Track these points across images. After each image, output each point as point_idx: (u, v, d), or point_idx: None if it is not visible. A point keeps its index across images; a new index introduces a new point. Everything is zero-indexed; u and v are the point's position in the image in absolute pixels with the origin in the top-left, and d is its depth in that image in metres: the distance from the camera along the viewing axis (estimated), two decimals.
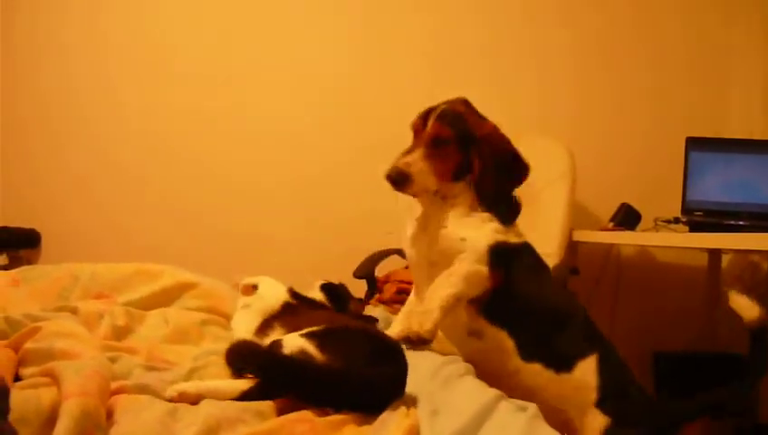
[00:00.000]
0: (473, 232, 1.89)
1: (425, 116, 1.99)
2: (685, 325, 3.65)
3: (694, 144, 3.41)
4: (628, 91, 3.91)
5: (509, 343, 1.83)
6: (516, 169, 1.99)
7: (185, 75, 3.90)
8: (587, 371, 1.83)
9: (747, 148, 3.40)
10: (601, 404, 1.81)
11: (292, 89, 3.91)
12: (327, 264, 3.60)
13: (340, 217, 3.87)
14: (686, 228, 3.19)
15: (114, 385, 1.28)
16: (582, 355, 1.85)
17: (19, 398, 1.13)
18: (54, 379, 1.20)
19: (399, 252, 3.51)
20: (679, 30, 3.92)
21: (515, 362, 1.82)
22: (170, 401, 1.30)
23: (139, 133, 3.89)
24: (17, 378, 1.31)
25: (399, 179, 1.89)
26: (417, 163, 1.89)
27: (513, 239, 1.94)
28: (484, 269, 1.82)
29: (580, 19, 3.93)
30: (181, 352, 1.63)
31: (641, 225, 3.44)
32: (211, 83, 3.90)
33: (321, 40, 3.94)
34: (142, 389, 1.31)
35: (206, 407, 1.24)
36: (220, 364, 1.52)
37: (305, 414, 1.26)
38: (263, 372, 1.39)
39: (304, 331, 1.51)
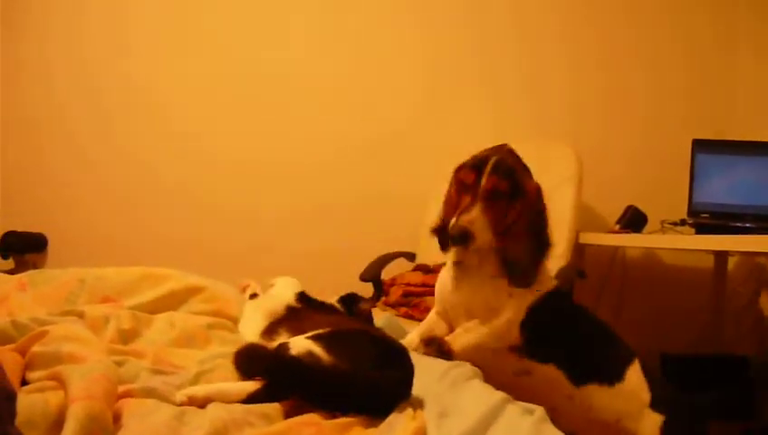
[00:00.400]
0: (522, 308, 1.94)
1: (476, 167, 1.93)
2: (691, 327, 3.65)
3: (700, 146, 3.40)
4: (634, 94, 3.91)
5: (559, 374, 1.91)
6: (544, 239, 1.99)
7: (199, 69, 3.92)
8: (636, 375, 1.94)
9: (753, 150, 3.40)
10: (654, 404, 1.91)
11: (297, 89, 3.93)
12: (334, 267, 3.62)
13: (348, 222, 3.87)
14: (693, 230, 3.19)
15: (121, 389, 1.28)
16: (628, 362, 1.96)
17: (26, 402, 1.13)
18: (61, 383, 1.20)
19: (406, 255, 3.53)
20: (685, 33, 3.92)
21: (569, 389, 1.90)
22: (179, 405, 1.30)
23: (148, 136, 3.91)
24: (24, 382, 1.31)
25: (464, 238, 1.85)
26: (479, 220, 1.87)
27: (549, 286, 2.03)
28: (516, 332, 1.92)
29: (585, 22, 3.93)
30: (188, 356, 1.63)
31: (647, 227, 3.44)
32: (221, 87, 3.91)
33: (339, 42, 3.96)
34: (149, 392, 1.31)
35: (213, 410, 1.24)
36: (227, 367, 1.52)
37: (312, 417, 1.26)
38: (270, 374, 1.39)
39: (310, 334, 1.51)
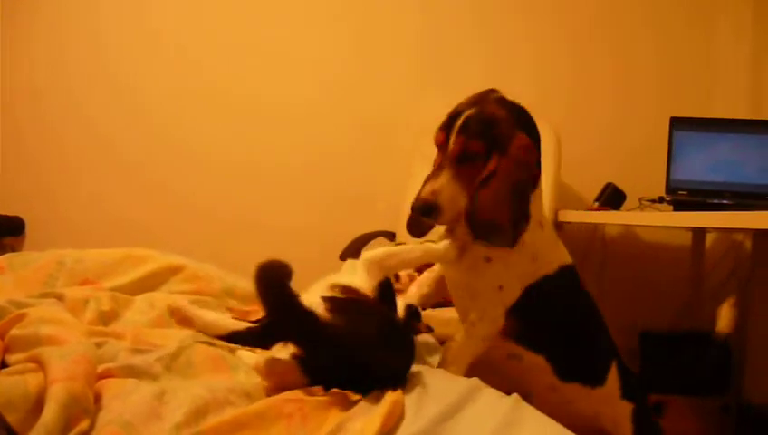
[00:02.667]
0: (511, 277, 1.73)
1: (447, 126, 1.67)
2: (669, 304, 3.68)
3: (678, 124, 3.42)
4: (612, 72, 3.92)
5: (547, 367, 1.81)
6: (525, 205, 1.69)
7: (177, 60, 3.90)
8: (613, 378, 1.89)
9: (731, 127, 3.42)
10: (625, 395, 1.90)
11: (285, 74, 3.93)
12: (313, 246, 3.63)
13: (327, 201, 3.88)
14: (671, 208, 3.21)
15: (100, 368, 1.28)
16: (610, 364, 1.90)
17: (5, 384, 1.13)
18: (40, 365, 1.20)
19: (385, 234, 3.53)
20: (664, 9, 3.92)
21: (553, 380, 1.82)
22: (169, 310, 1.29)
23: (127, 117, 3.89)
24: (3, 365, 1.31)
25: (428, 211, 1.62)
26: (446, 189, 1.62)
27: (547, 270, 1.78)
28: (501, 321, 1.73)
29: (571, 2, 3.93)
30: (168, 336, 1.62)
31: (626, 204, 3.46)
32: (205, 68, 3.91)
33: (316, 23, 3.94)
34: (129, 370, 1.30)
35: (194, 389, 1.24)
36: (206, 346, 1.51)
37: (293, 394, 1.27)
38: (268, 304, 1.34)
39: (327, 294, 1.47)
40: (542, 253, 1.78)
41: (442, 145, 1.68)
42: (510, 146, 1.65)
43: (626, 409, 1.89)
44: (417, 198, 1.63)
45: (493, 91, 1.76)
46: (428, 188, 1.63)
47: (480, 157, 1.64)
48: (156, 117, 3.90)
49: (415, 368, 1.53)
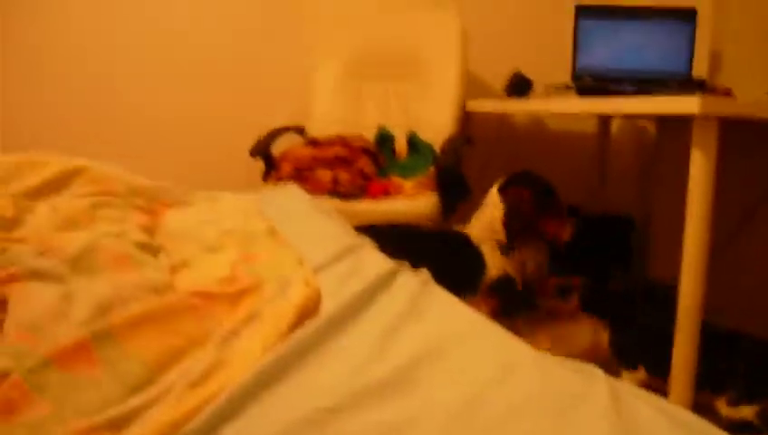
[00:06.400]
0: None
1: None
2: (576, 189, 3.78)
3: (583, 12, 3.45)
4: None
5: None
6: None
7: None
8: None
9: (635, 14, 3.46)
10: None
11: None
12: (224, 143, 3.60)
13: (236, 97, 3.81)
14: (577, 96, 3.26)
15: (4, 273, 1.25)
16: None
17: None
18: None
19: (295, 129, 3.50)
20: None
21: None
22: None
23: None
24: None
25: None
26: None
27: None
28: None
29: None
30: (72, 239, 1.60)
31: (533, 93, 3.49)
32: None
33: None
34: (33, 274, 1.28)
35: (99, 287, 1.23)
36: (112, 245, 1.49)
37: (202, 288, 1.27)
38: None
39: None
40: None
41: None
42: None
43: None
44: None
45: None
46: None
47: None
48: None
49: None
